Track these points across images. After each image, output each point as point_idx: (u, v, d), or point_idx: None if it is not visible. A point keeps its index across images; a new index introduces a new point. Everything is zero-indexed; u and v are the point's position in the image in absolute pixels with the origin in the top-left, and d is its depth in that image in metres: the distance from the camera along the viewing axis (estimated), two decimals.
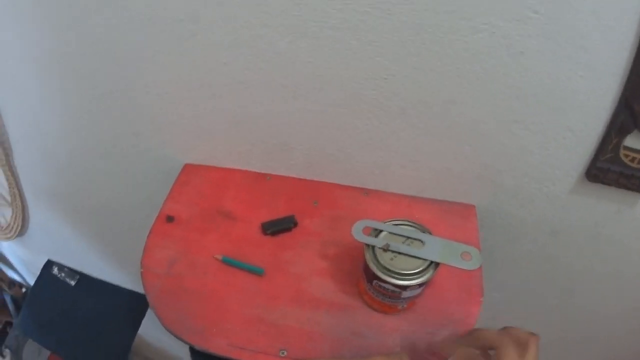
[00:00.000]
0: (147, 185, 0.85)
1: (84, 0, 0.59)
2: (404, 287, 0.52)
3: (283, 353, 0.56)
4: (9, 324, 1.76)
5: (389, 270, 0.52)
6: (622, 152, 0.60)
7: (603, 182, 0.63)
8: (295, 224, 0.66)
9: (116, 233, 1.08)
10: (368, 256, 0.53)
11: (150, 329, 1.66)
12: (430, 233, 0.55)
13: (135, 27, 0.59)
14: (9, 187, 1.06)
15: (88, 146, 0.82)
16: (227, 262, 0.63)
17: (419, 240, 0.54)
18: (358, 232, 0.55)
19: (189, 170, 0.74)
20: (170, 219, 0.67)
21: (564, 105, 0.56)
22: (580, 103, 0.55)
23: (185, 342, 0.57)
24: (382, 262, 0.52)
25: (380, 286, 0.54)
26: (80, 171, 0.90)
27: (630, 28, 0.47)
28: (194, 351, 0.63)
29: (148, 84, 0.66)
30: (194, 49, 0.60)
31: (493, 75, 0.54)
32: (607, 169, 0.62)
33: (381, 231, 0.55)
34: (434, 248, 0.53)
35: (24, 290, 1.66)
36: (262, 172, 0.73)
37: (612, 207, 0.66)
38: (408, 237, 0.54)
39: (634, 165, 0.60)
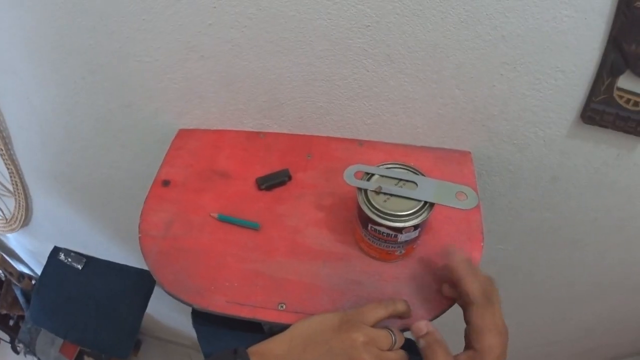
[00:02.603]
0: (144, 155, 0.85)
1: None
2: (399, 230, 0.52)
3: (282, 306, 0.56)
4: (21, 318, 1.78)
5: (382, 212, 0.52)
6: (615, 93, 0.59)
7: (600, 125, 0.62)
8: (290, 178, 0.66)
9: (118, 209, 1.09)
10: (361, 199, 0.53)
11: (161, 307, 1.68)
12: (423, 175, 0.54)
13: None
14: (10, 177, 1.06)
15: (84, 124, 0.83)
16: (223, 220, 0.63)
17: (412, 182, 0.54)
18: (350, 177, 0.54)
19: (183, 134, 0.74)
20: (166, 183, 0.67)
21: (552, 46, 0.55)
22: (569, 43, 0.55)
23: (185, 303, 0.57)
24: (375, 204, 0.52)
25: (375, 230, 0.53)
26: (78, 149, 0.91)
27: None
28: (195, 314, 0.63)
29: (138, 53, 0.66)
30: (178, 13, 0.59)
31: (476, 17, 0.54)
32: (602, 110, 0.61)
33: (373, 175, 0.55)
34: (427, 189, 0.53)
35: (33, 282, 1.67)
36: (255, 130, 0.73)
37: (612, 152, 0.66)
38: (401, 180, 0.54)
39: (630, 107, 0.59)
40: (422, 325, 0.48)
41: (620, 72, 0.56)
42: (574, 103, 0.61)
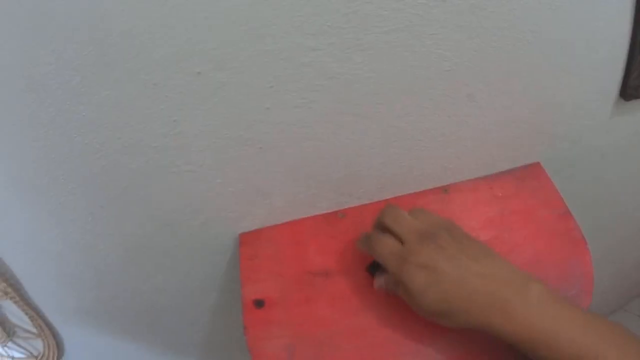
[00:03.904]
0: (196, 272, 0.71)
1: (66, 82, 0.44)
2: None
3: None
4: None
5: None
6: None
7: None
8: None
9: (168, 327, 0.91)
10: None
11: None
12: None
13: (141, 97, 0.47)
14: (32, 321, 0.90)
15: (111, 256, 0.67)
16: None
17: None
18: None
19: (248, 240, 0.63)
20: (259, 303, 0.57)
21: (594, 40, 0.58)
22: (603, 30, 0.57)
23: None
24: None
25: None
26: (108, 284, 0.74)
27: None
28: None
29: (173, 162, 0.53)
30: (223, 102, 0.49)
31: (541, 34, 0.54)
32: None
33: None
34: None
35: None
36: (332, 210, 0.65)
37: None
38: None
39: None
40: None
41: None
42: (613, 85, 0.65)
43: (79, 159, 0.51)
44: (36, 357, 1.04)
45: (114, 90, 0.45)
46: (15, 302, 0.82)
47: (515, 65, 0.55)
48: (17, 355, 1.01)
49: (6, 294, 0.79)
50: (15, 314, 0.88)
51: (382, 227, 0.52)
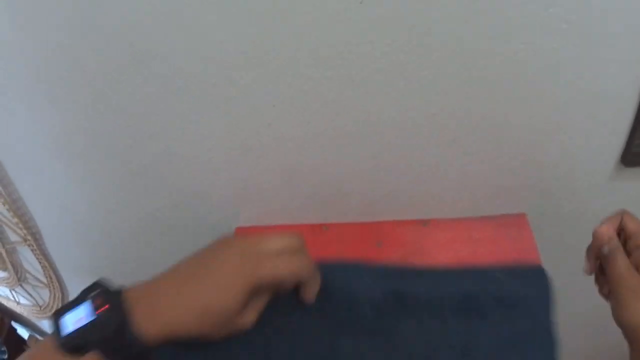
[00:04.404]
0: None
1: (106, 75, 0.56)
2: None
3: None
4: None
5: None
6: None
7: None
8: None
9: None
10: None
11: None
12: None
13: (165, 96, 0.57)
14: (44, 270, 0.99)
15: (125, 224, 0.78)
16: None
17: None
18: None
19: (241, 233, 0.71)
20: None
21: (598, 102, 0.58)
22: (610, 97, 0.58)
23: None
24: None
25: None
26: (119, 247, 0.85)
27: None
28: None
29: (186, 154, 0.64)
30: (232, 113, 0.58)
31: (537, 91, 0.56)
32: None
33: None
34: None
35: None
36: (318, 222, 0.72)
37: None
38: None
39: None
40: (604, 230, 0.48)
41: None
42: (613, 150, 0.65)
43: (112, 136, 0.63)
44: (40, 307, 1.14)
45: (144, 86, 0.56)
46: (32, 251, 0.91)
47: (508, 118, 0.58)
48: (23, 301, 1.11)
49: (25, 240, 0.88)
50: (30, 262, 0.98)
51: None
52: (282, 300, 0.49)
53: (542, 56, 0.53)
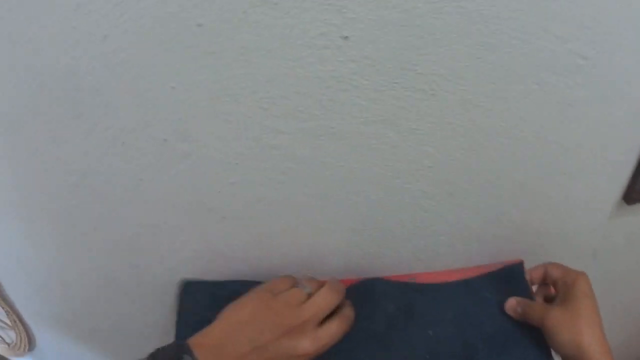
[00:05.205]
0: (159, 309, 0.68)
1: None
2: None
3: None
4: None
5: None
6: None
7: None
8: None
9: (134, 348, 0.91)
10: None
11: None
12: None
13: (109, 152, 0.45)
14: (7, 315, 0.95)
15: (83, 279, 0.67)
16: None
17: None
18: None
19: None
20: None
21: (605, 143, 0.53)
22: (618, 136, 0.53)
23: None
24: None
25: None
26: (78, 301, 0.75)
27: None
28: None
29: (138, 217, 0.52)
30: (187, 171, 0.47)
31: (543, 137, 0.49)
32: None
33: None
34: None
35: None
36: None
37: None
38: None
39: None
40: (514, 304, 0.54)
41: None
42: (616, 189, 0.60)
43: (57, 195, 0.50)
44: (9, 345, 1.10)
45: (86, 140, 0.44)
46: None
47: (508, 167, 0.51)
48: None
49: None
50: None
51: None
52: None
53: (555, 96, 0.46)
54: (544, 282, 0.56)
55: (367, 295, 0.56)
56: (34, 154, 0.46)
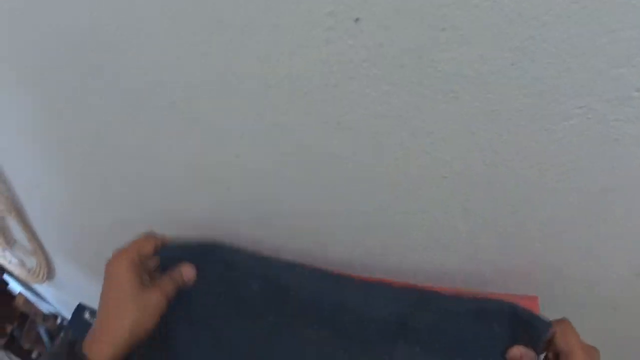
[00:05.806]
0: None
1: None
2: None
3: None
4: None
5: None
6: None
7: None
8: None
9: None
10: None
11: None
12: None
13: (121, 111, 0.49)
14: (29, 241, 1.05)
15: (97, 220, 0.74)
16: None
17: None
18: None
19: None
20: None
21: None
22: None
23: None
24: None
25: None
26: (94, 242, 0.81)
27: None
28: None
29: (146, 171, 0.56)
30: (197, 135, 0.48)
31: (580, 170, 0.44)
32: None
33: None
34: None
35: (58, 321, 1.64)
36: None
37: None
38: None
39: None
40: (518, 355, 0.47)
41: None
42: None
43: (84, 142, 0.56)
44: (29, 270, 1.20)
45: (103, 100, 0.48)
46: (18, 222, 0.97)
47: (535, 196, 0.46)
48: (14, 261, 1.19)
49: (9, 212, 0.93)
50: (17, 231, 1.04)
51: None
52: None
53: (599, 126, 0.41)
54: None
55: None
56: (59, 102, 0.51)
